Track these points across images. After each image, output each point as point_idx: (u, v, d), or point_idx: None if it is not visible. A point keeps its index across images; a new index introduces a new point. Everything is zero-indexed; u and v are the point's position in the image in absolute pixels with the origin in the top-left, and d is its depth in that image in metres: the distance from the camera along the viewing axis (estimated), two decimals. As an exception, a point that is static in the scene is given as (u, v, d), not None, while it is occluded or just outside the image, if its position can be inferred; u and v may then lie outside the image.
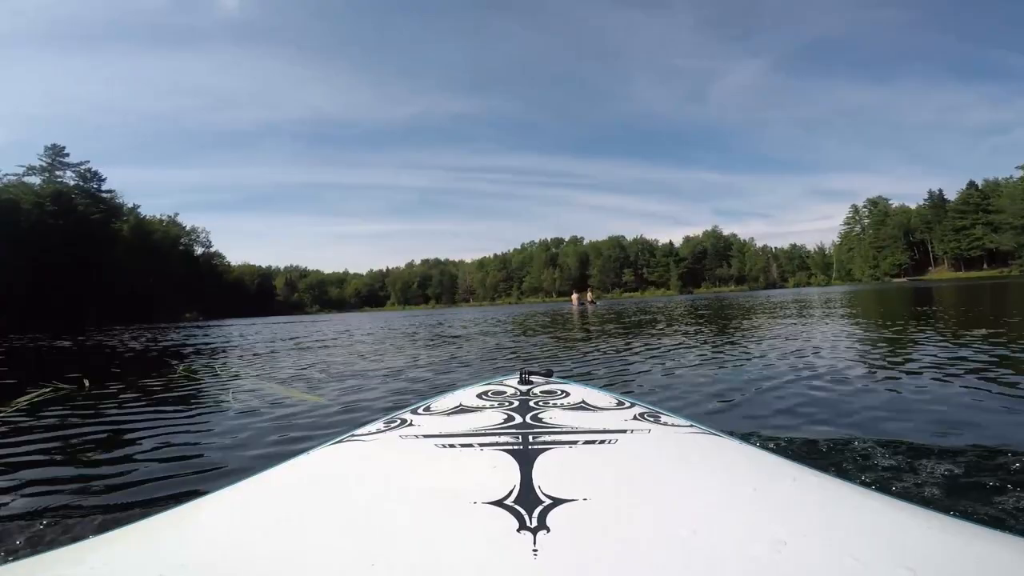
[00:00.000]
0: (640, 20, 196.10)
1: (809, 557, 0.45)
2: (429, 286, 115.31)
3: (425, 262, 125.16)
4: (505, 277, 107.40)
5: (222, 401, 3.10)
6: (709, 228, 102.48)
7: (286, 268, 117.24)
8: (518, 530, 0.48)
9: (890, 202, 79.93)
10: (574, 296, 28.20)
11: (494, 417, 0.91)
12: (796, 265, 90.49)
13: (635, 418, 0.90)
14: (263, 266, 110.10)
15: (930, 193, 73.56)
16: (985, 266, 65.15)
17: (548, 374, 1.30)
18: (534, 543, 0.45)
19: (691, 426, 0.89)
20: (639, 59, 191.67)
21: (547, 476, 0.60)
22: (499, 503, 0.54)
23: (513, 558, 0.44)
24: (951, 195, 71.35)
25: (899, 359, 3.46)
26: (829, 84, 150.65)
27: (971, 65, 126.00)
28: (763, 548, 0.46)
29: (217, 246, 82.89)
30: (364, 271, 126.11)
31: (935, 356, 3.40)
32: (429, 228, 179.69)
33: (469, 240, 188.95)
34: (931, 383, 2.61)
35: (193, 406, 3.05)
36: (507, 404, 1.01)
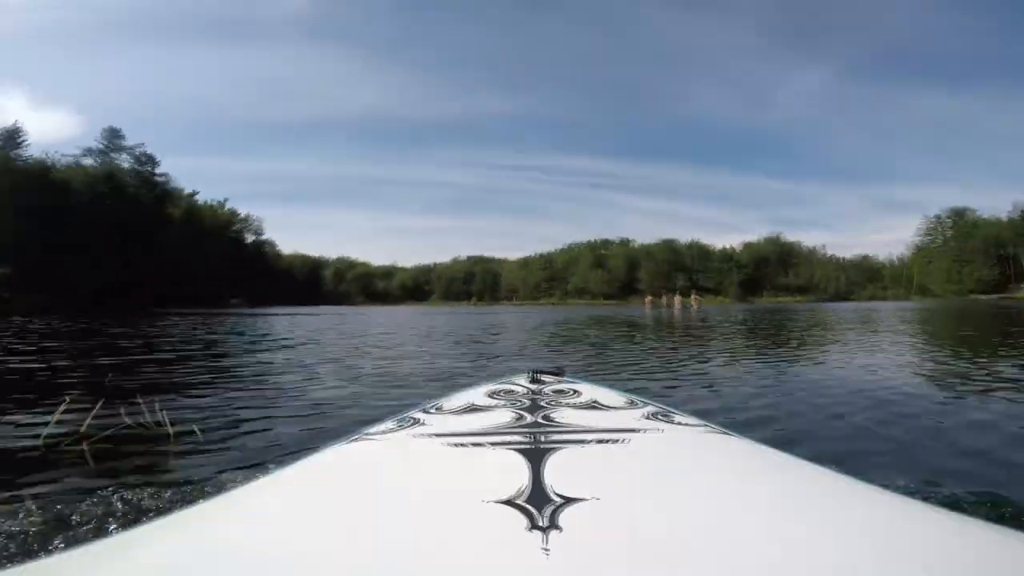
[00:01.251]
0: (699, 22, 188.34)
1: (824, 557, 0.45)
2: (473, 282, 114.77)
3: (469, 259, 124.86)
4: (549, 277, 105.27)
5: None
6: (770, 234, 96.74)
7: (336, 259, 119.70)
8: (529, 529, 0.48)
9: (977, 212, 72.70)
10: (676, 298, 26.76)
11: (505, 416, 0.91)
12: (864, 277, 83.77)
13: (647, 417, 0.91)
14: (314, 256, 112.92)
15: (1016, 205, 66.02)
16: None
17: (559, 373, 1.32)
18: (545, 542, 0.45)
19: (704, 425, 0.89)
20: (697, 62, 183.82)
21: (558, 475, 0.60)
22: (509, 502, 0.53)
23: (524, 557, 0.43)
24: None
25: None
26: (899, 92, 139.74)
27: None
28: (778, 548, 0.46)
29: (270, 235, 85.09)
30: (411, 265, 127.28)
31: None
32: (475, 225, 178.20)
33: (514, 239, 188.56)
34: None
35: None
36: (518, 403, 1.02)
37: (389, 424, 0.95)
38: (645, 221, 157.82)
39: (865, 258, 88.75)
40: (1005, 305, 22.61)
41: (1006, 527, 0.52)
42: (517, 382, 1.25)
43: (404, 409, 1.13)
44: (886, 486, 0.65)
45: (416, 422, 0.93)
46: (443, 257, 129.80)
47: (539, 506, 0.52)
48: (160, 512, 0.59)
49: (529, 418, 0.89)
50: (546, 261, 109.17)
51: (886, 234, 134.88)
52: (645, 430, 0.82)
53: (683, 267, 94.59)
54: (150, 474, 1.77)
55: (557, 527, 0.48)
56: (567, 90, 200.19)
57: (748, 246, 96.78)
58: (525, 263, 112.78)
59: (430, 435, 0.84)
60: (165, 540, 0.56)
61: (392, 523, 0.53)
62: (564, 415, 0.91)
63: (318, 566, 0.45)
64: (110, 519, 1.19)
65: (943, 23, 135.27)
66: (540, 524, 0.48)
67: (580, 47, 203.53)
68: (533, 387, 1.18)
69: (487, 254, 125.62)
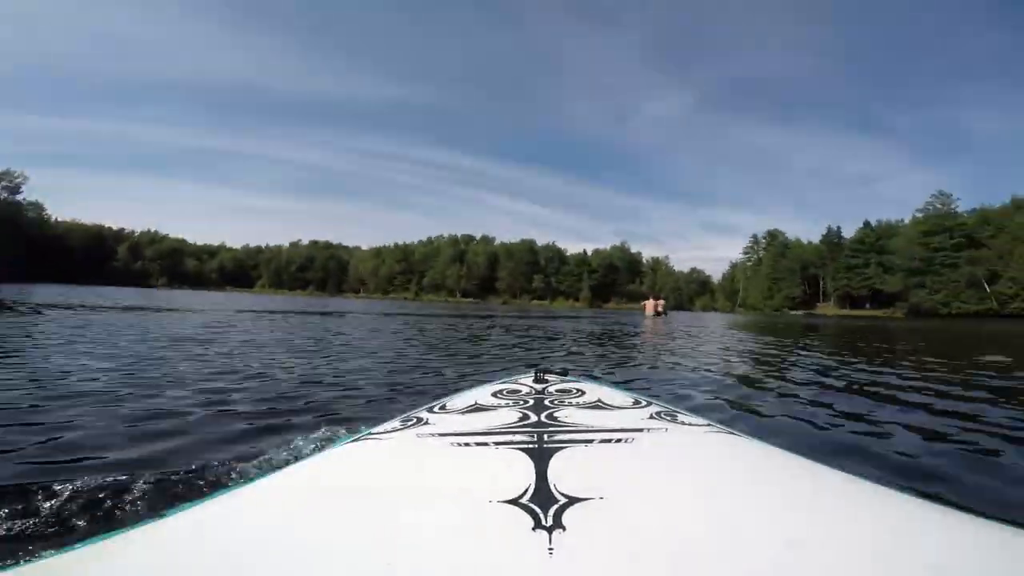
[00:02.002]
0: (587, 33, 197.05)
1: (829, 557, 0.45)
2: (310, 269, 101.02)
3: (314, 243, 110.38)
4: (404, 269, 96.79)
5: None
6: (618, 243, 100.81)
7: (140, 233, 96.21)
8: (533, 529, 0.48)
9: (788, 235, 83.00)
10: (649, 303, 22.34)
11: (509, 416, 0.91)
12: (695, 290, 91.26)
13: (652, 417, 0.91)
14: (108, 227, 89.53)
15: (828, 229, 76.76)
16: (868, 305, 68.42)
17: (563, 373, 1.30)
18: (549, 542, 0.45)
19: (708, 425, 0.89)
20: (577, 74, 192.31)
21: (562, 475, 0.60)
22: (514, 502, 0.53)
23: (528, 557, 0.43)
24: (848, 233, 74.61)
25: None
26: (738, 122, 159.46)
27: (856, 118, 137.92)
28: (783, 547, 0.46)
29: (53, 203, 65.10)
30: (240, 246, 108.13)
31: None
32: (332, 210, 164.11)
33: (372, 228, 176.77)
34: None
35: None
36: (522, 403, 1.01)
37: (394, 424, 0.95)
38: (509, 222, 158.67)
39: (694, 270, 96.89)
40: (806, 322, 24.36)
41: (1017, 527, 0.52)
42: (522, 381, 1.25)
43: (409, 409, 1.15)
44: (893, 486, 0.64)
45: (421, 421, 0.93)
46: (284, 240, 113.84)
47: (544, 506, 0.52)
48: (161, 512, 0.60)
49: (534, 418, 0.89)
50: (403, 252, 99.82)
51: (709, 252, 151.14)
52: (650, 430, 0.82)
53: (540, 269, 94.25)
54: None
55: (562, 527, 0.48)
56: (453, 85, 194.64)
57: (598, 252, 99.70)
58: (379, 253, 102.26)
59: (435, 435, 0.83)
60: (167, 539, 0.55)
61: (397, 523, 0.53)
62: (569, 415, 0.90)
63: (323, 566, 0.45)
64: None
65: (789, 61, 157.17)
66: (545, 524, 0.48)
67: (474, 43, 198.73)
68: (538, 387, 1.18)
69: (339, 241, 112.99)
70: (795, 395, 3.33)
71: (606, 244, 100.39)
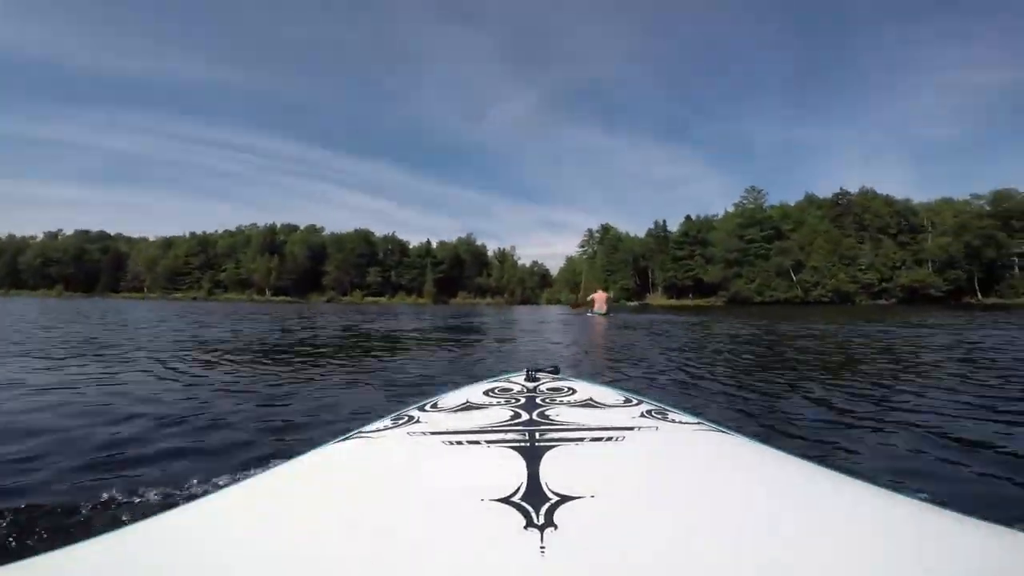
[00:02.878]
0: (443, 29, 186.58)
1: (820, 554, 0.45)
2: (65, 263, 77.00)
3: (82, 233, 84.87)
4: (202, 263, 78.38)
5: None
6: (464, 236, 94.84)
7: None
8: (525, 527, 0.48)
9: (620, 230, 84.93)
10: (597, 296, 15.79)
11: (501, 414, 0.91)
12: (537, 283, 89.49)
13: (642, 415, 0.91)
14: None
15: (655, 223, 79.26)
16: (691, 295, 71.94)
17: (555, 371, 1.32)
18: (541, 540, 0.45)
19: (699, 423, 0.89)
20: (431, 66, 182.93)
21: (554, 473, 0.60)
22: (506, 500, 0.53)
23: (520, 555, 0.44)
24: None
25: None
26: (579, 125, 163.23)
27: (665, 127, 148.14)
28: (774, 545, 0.46)
29: None
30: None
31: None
32: (127, 199, 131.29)
33: (170, 219, 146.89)
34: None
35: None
36: (514, 401, 1.01)
37: (385, 422, 0.94)
38: (344, 215, 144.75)
39: (536, 263, 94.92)
40: (644, 311, 24.75)
41: (1003, 526, 0.52)
42: (514, 380, 1.25)
43: (400, 407, 1.14)
44: (880, 483, 0.65)
45: (412, 420, 0.93)
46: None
47: (536, 504, 0.52)
48: (148, 512, 0.61)
49: (525, 416, 0.89)
50: (201, 242, 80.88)
51: (547, 248, 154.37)
52: (641, 428, 0.83)
53: (377, 262, 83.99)
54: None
55: (553, 525, 0.48)
56: (295, 70, 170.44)
57: (444, 245, 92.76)
58: (170, 244, 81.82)
59: (426, 433, 0.83)
60: (155, 540, 0.54)
61: (388, 522, 0.52)
62: (560, 413, 0.90)
63: (312, 564, 0.44)
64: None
65: (624, 69, 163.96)
66: (537, 522, 0.48)
67: (322, 28, 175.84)
68: (529, 385, 1.18)
69: (118, 231, 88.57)
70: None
71: (452, 237, 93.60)
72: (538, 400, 1.01)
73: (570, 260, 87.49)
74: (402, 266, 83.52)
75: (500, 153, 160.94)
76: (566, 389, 1.11)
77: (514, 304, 67.68)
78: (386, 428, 0.89)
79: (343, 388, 3.34)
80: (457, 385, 1.31)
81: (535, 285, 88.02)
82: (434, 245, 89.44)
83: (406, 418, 0.94)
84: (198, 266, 78.36)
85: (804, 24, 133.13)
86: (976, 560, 0.45)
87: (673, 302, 65.84)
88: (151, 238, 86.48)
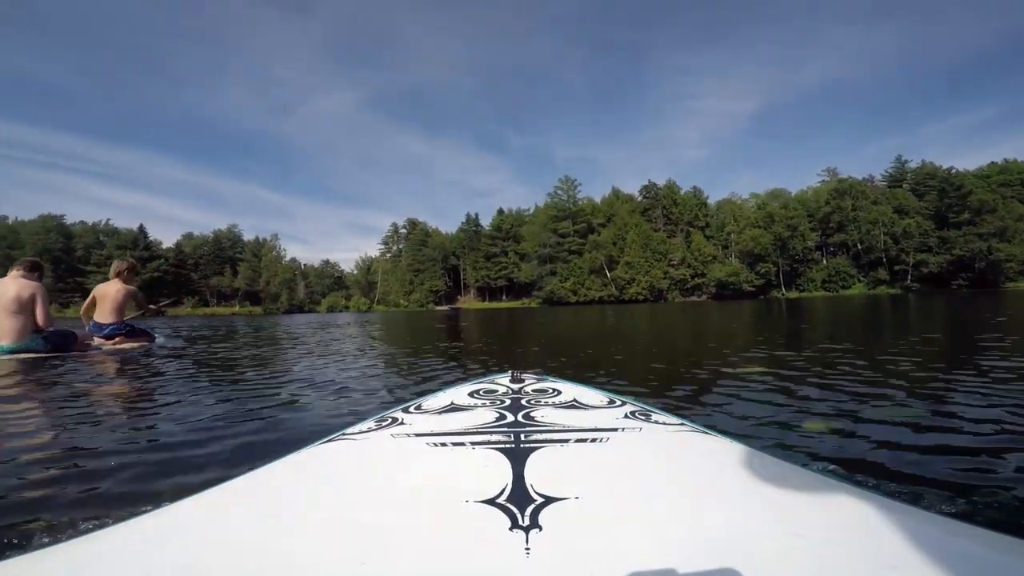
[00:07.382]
0: (261, 13, 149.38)
1: (802, 556, 0.45)
2: None
3: None
4: None
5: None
6: (223, 227, 73.23)
7: None
8: (510, 529, 0.48)
9: (429, 225, 74.67)
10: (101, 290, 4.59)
11: (486, 416, 0.91)
12: (328, 286, 73.34)
13: (626, 416, 0.91)
14: None
15: (467, 217, 70.89)
16: (505, 297, 65.07)
17: (540, 372, 1.32)
18: (526, 542, 0.45)
19: (682, 424, 0.89)
20: (233, 50, 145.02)
21: (539, 475, 0.60)
22: (491, 502, 0.53)
23: (505, 557, 0.44)
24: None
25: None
26: (397, 131, 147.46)
27: (484, 137, 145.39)
28: (755, 546, 0.46)
29: None
30: None
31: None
32: None
33: None
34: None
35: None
36: (499, 402, 1.01)
37: (369, 424, 0.93)
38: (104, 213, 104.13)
39: (327, 263, 78.61)
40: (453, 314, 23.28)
41: (990, 530, 0.52)
42: (499, 381, 1.25)
43: (384, 409, 1.12)
44: (868, 487, 0.63)
45: (396, 422, 0.92)
46: None
47: (521, 506, 0.52)
48: (131, 513, 0.61)
49: (510, 417, 0.89)
50: None
51: (355, 253, 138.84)
52: (624, 429, 0.83)
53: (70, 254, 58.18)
54: None
55: (538, 527, 0.48)
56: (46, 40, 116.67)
57: (190, 238, 69.95)
58: None
59: (410, 435, 0.83)
60: (138, 541, 0.53)
61: (371, 524, 0.52)
62: (545, 415, 0.91)
63: (295, 567, 0.44)
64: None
65: (449, 79, 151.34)
66: (522, 524, 0.48)
67: None
68: (514, 386, 1.18)
69: None
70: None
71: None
72: (523, 401, 1.01)
73: (369, 260, 73.77)
74: (105, 264, 59.13)
75: (311, 152, 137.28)
76: (551, 390, 1.12)
77: (278, 313, 52.91)
78: (369, 430, 0.87)
79: None
80: (444, 386, 1.28)
81: (327, 287, 71.64)
82: (179, 238, 66.39)
83: (390, 420, 0.93)
84: None
85: (601, 50, 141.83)
86: (959, 561, 0.45)
87: (486, 304, 58.50)
88: None
